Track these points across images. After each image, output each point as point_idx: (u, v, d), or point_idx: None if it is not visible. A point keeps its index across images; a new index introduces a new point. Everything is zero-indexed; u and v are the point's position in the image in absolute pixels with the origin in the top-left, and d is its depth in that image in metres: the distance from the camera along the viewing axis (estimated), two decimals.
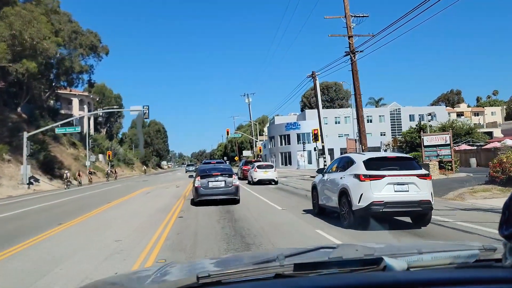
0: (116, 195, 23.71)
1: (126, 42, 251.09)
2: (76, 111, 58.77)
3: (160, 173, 77.79)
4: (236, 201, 15.80)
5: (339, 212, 10.51)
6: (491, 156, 23.36)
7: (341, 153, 52.47)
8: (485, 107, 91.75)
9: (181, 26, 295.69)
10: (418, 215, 9.95)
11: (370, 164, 9.90)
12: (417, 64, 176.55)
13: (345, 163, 10.97)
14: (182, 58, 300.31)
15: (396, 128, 68.69)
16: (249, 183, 28.79)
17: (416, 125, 29.60)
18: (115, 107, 65.47)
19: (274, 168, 29.64)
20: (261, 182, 28.24)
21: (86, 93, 67.38)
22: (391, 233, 9.09)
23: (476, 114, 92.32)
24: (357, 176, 9.80)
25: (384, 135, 65.20)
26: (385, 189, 9.47)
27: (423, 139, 25.28)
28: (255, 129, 69.20)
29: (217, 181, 15.88)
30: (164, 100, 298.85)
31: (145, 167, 75.56)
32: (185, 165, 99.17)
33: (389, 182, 9.49)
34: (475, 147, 37.98)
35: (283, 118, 74.13)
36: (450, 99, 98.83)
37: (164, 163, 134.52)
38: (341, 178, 10.56)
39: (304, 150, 55.90)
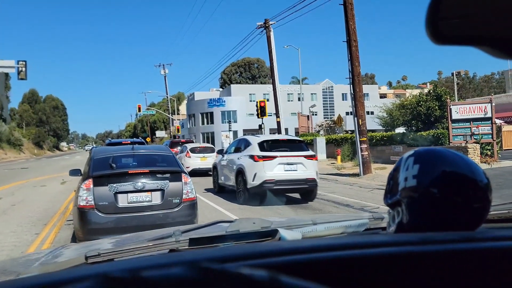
0: None
1: None
2: None
3: (55, 157, 63.25)
4: None
5: (236, 189, 11.31)
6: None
7: (270, 132, 44.65)
8: (406, 90, 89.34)
9: None
10: (305, 191, 10.96)
11: (263, 145, 10.83)
12: (334, 46, 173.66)
13: (242, 145, 11.77)
14: (84, 19, 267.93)
15: (329, 107, 61.65)
16: None
17: (430, 92, 20.92)
18: None
19: (215, 153, 19.47)
20: (196, 173, 18.09)
21: None
22: (282, 208, 10.05)
23: (398, 96, 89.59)
24: (252, 157, 10.63)
25: (315, 114, 57.54)
26: (277, 169, 10.41)
27: (451, 109, 16.76)
28: (172, 105, 57.80)
29: (141, 190, 6.11)
30: (63, 73, 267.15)
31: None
32: (89, 147, 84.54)
33: (280, 162, 10.46)
34: None
35: (204, 94, 64.45)
36: (364, 82, 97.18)
37: (63, 144, 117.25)
38: (238, 158, 11.33)
39: (230, 130, 46.16)
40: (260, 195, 10.45)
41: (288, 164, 10.53)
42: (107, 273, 0.45)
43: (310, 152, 11.09)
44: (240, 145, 11.98)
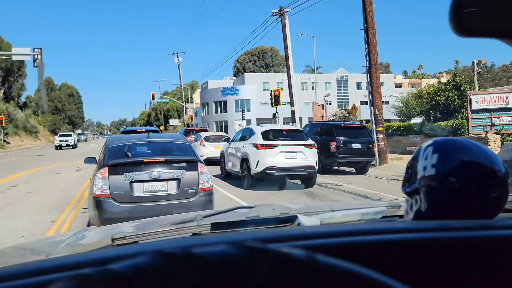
0: None
1: None
2: None
3: None
4: None
5: (241, 175, 12.03)
6: None
7: (284, 121, 44.30)
8: (421, 79, 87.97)
9: None
10: (305, 178, 11.59)
11: (266, 135, 11.54)
12: (348, 34, 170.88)
13: (247, 134, 12.48)
14: (99, 7, 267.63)
15: (343, 97, 60.97)
16: None
17: (449, 81, 20.46)
18: None
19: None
20: (210, 161, 17.91)
21: None
22: (283, 192, 10.94)
23: (413, 85, 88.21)
24: (255, 145, 11.31)
25: (329, 104, 56.89)
26: (278, 157, 11.11)
27: (471, 99, 16.32)
28: (185, 94, 57.77)
29: (156, 180, 6.09)
30: (77, 61, 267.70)
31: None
32: (103, 135, 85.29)
33: (281, 151, 11.15)
34: None
35: (217, 83, 64.12)
36: (379, 71, 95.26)
37: (78, 132, 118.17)
38: (243, 146, 12.04)
39: (243, 119, 46.08)
40: (262, 180, 11.24)
41: (288, 152, 11.22)
42: (161, 249, 0.47)
43: (309, 141, 11.72)
44: (245, 134, 12.69)
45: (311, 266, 0.46)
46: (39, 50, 26.52)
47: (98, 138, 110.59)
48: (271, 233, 1.08)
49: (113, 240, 1.27)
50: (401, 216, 1.52)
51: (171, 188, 6.13)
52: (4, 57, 57.23)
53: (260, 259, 0.46)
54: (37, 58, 26.63)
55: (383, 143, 16.75)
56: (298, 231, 1.15)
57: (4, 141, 50.31)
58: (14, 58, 29.27)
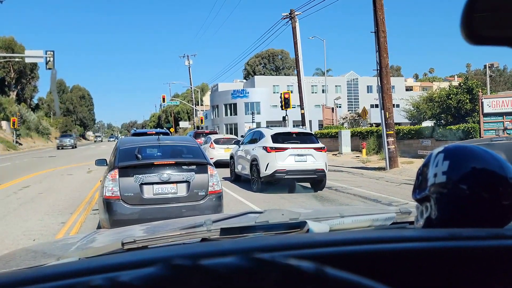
0: None
1: None
2: None
3: (81, 146, 64.15)
4: None
5: (250, 178, 12.12)
6: None
7: (293, 125, 44.09)
8: (433, 82, 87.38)
9: None
10: (315, 181, 11.58)
11: (276, 137, 11.53)
12: (359, 37, 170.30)
13: (257, 137, 12.55)
14: (111, 10, 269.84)
15: (353, 100, 60.73)
16: None
17: (461, 84, 20.30)
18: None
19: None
20: (220, 164, 17.95)
21: None
22: (292, 195, 10.99)
23: (424, 88, 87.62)
24: (265, 148, 11.35)
25: (339, 107, 56.72)
26: (288, 160, 11.13)
27: (483, 103, 16.16)
28: (196, 96, 57.93)
29: (166, 182, 6.05)
30: (89, 63, 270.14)
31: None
32: (109, 137, 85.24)
33: (291, 154, 11.17)
34: None
35: (228, 85, 64.43)
36: (390, 74, 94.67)
37: (89, 133, 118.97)
38: (252, 149, 12.08)
39: (253, 122, 46.21)
40: (272, 183, 11.31)
41: (298, 155, 11.24)
42: (171, 260, 0.47)
43: (319, 145, 11.78)
44: (255, 137, 12.74)
45: (319, 280, 0.45)
46: (52, 53, 26.82)
47: (101, 141, 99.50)
48: (280, 240, 1.08)
49: (123, 244, 1.27)
50: (411, 223, 1.51)
51: (181, 190, 6.15)
52: (17, 59, 57.97)
53: (267, 271, 0.45)
54: (49, 60, 26.94)
55: (394, 146, 16.64)
56: (307, 238, 1.15)
57: (17, 142, 50.84)
58: (27, 60, 29.71)
